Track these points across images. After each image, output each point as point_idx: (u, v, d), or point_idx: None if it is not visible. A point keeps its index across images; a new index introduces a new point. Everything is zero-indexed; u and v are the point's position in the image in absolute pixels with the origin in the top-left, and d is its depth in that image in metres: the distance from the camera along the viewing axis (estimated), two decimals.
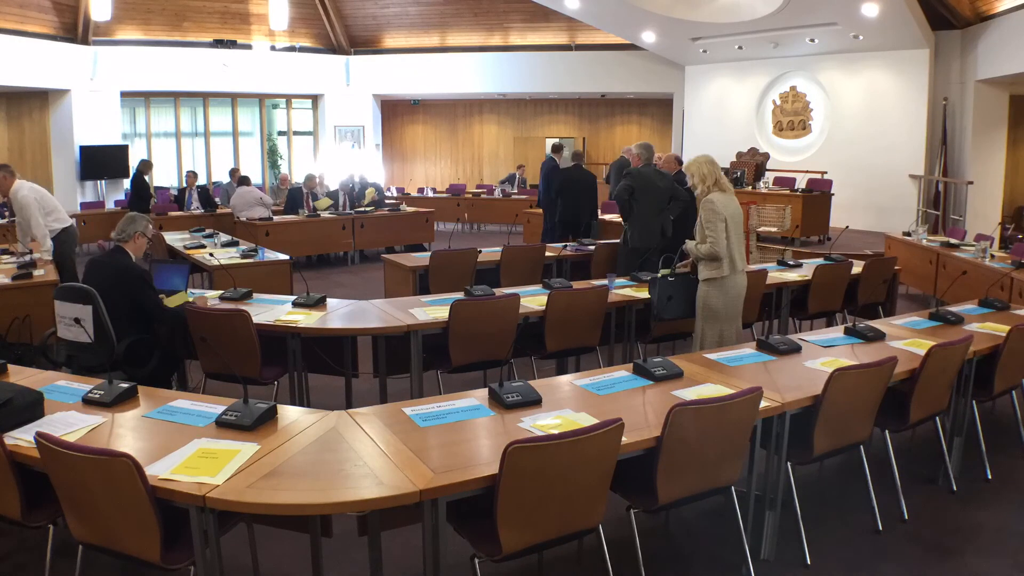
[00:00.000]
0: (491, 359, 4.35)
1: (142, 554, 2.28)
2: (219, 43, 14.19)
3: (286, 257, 6.92)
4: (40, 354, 5.15)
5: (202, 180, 14.15)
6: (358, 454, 2.46)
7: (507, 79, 15.29)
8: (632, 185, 6.08)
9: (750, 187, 10.18)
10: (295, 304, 4.54)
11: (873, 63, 11.43)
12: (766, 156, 11.72)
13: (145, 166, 11.39)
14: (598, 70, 14.70)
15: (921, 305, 7.25)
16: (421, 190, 13.98)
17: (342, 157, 15.68)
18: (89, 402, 2.87)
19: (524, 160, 16.07)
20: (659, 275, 4.54)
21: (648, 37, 13.13)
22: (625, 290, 5.09)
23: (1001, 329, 4.02)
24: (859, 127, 11.61)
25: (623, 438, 2.48)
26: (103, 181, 13.15)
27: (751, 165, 10.94)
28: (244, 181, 10.69)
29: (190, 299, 4.44)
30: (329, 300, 4.65)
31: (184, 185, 11.84)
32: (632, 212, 6.17)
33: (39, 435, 2.29)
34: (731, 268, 4.33)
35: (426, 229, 10.99)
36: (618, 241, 6.71)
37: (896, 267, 6.19)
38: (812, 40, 11.58)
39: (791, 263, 6.24)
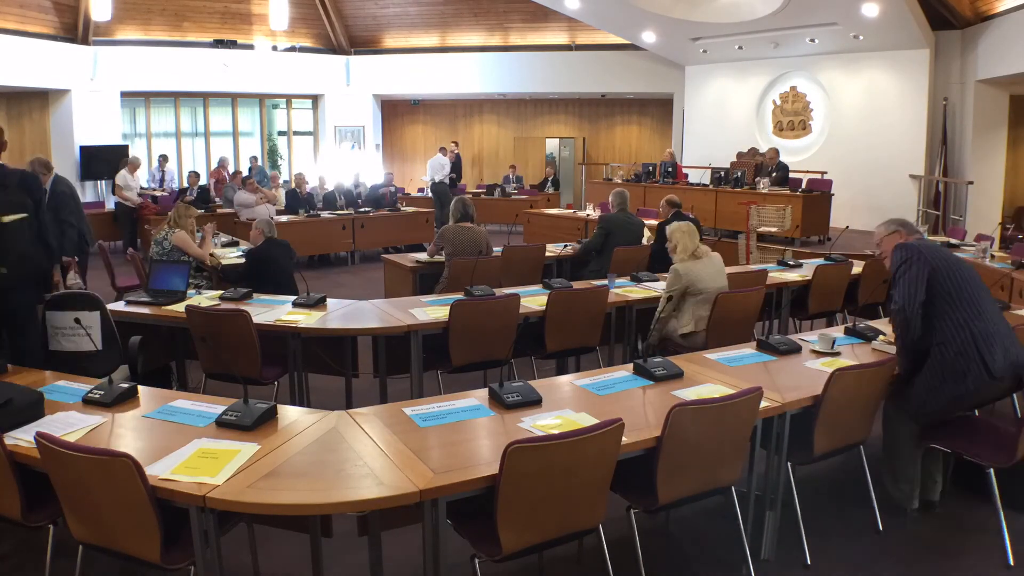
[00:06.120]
0: (491, 359, 4.35)
1: (142, 554, 2.28)
2: (219, 43, 14.19)
3: None
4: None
5: (203, 180, 14.16)
6: (358, 454, 2.46)
7: (507, 79, 15.28)
8: (606, 229, 6.55)
9: (750, 187, 10.17)
10: (295, 304, 4.54)
11: (873, 63, 11.42)
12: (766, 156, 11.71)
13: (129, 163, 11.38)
14: (598, 70, 14.69)
15: None
16: (421, 190, 13.96)
17: (342, 157, 15.68)
18: (89, 402, 2.87)
19: (524, 160, 16.07)
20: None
21: (648, 37, 13.12)
22: (625, 290, 5.10)
23: None
24: (859, 127, 11.60)
25: (623, 438, 2.48)
26: (103, 181, 13.13)
27: (751, 165, 10.93)
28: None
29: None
30: (329, 300, 4.65)
31: (186, 185, 11.83)
32: (603, 251, 6.51)
33: (39, 435, 2.29)
34: (678, 325, 4.50)
35: (426, 229, 10.99)
36: None
37: None
38: (812, 40, 11.57)
39: (791, 263, 6.25)
